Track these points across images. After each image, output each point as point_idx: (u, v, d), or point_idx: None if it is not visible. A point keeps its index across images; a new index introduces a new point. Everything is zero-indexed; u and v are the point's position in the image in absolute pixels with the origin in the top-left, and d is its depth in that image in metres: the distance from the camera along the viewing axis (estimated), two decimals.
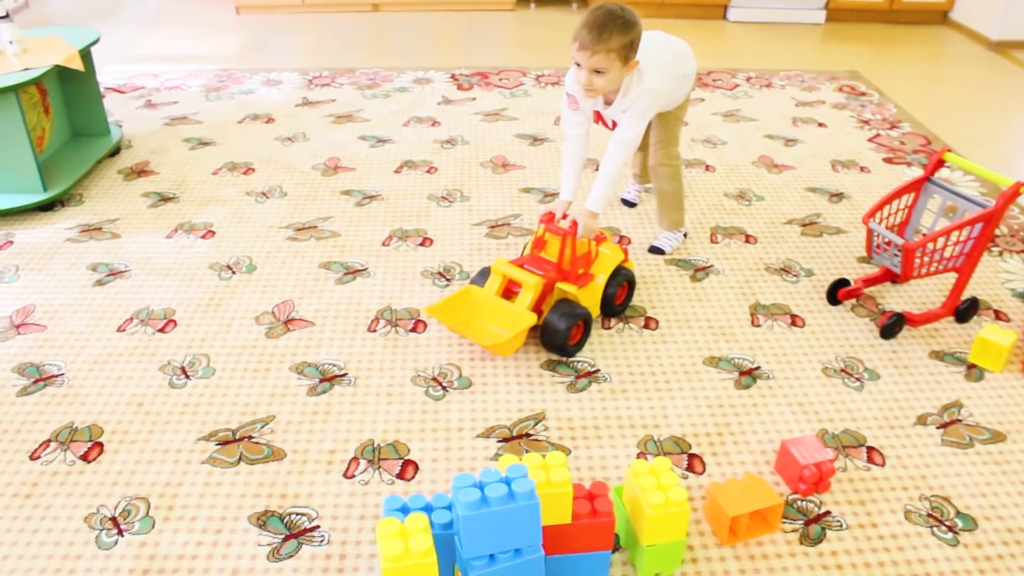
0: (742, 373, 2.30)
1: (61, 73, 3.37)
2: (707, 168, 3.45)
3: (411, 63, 4.68)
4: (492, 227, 2.97)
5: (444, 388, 2.22)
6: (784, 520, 1.85)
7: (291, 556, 1.76)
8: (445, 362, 2.31)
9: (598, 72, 2.24)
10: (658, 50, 2.46)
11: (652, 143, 2.73)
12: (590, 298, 2.40)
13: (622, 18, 2.21)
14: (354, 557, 1.76)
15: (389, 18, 5.65)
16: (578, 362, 2.32)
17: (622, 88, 2.37)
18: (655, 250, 2.83)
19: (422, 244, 2.87)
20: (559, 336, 2.26)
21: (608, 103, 2.44)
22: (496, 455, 2.01)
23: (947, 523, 1.86)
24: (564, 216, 2.40)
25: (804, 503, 1.90)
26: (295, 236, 2.92)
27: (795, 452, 1.92)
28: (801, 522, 1.85)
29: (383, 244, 2.86)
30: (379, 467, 1.98)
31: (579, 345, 2.35)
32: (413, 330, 2.43)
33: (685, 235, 2.90)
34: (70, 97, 3.51)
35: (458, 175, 3.37)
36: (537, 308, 2.32)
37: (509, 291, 2.36)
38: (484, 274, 2.42)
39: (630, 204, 3.11)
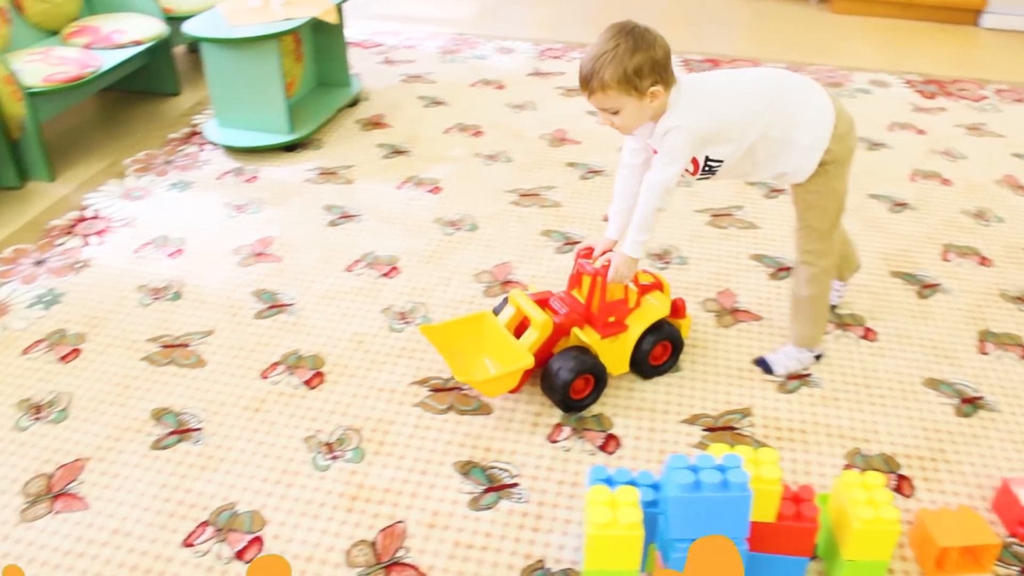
0: (963, 400, 2.18)
1: (315, 25, 3.56)
2: (943, 182, 3.26)
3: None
4: (714, 216, 2.92)
5: None
6: (997, 563, 1.75)
7: (489, 508, 1.82)
8: None
9: (611, 111, 1.89)
10: (735, 90, 1.98)
11: (795, 226, 2.17)
12: (617, 352, 2.11)
13: (623, 42, 1.82)
14: (550, 519, 1.80)
15: None
16: None
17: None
18: (761, 363, 2.28)
19: None
20: (556, 387, 2.02)
21: None
22: (700, 443, 2.00)
23: None
24: (604, 253, 2.10)
25: (1022, 548, 1.78)
26: (518, 201, 2.99)
27: (1018, 493, 1.80)
28: (1017, 568, 1.74)
29: (603, 220, 2.87)
30: (582, 436, 2.01)
31: (586, 402, 2.08)
32: None
33: (818, 358, 2.29)
34: (320, 48, 3.72)
35: None
36: (546, 351, 2.08)
37: (525, 326, 2.12)
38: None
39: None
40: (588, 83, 1.86)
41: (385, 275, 2.59)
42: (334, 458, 1.95)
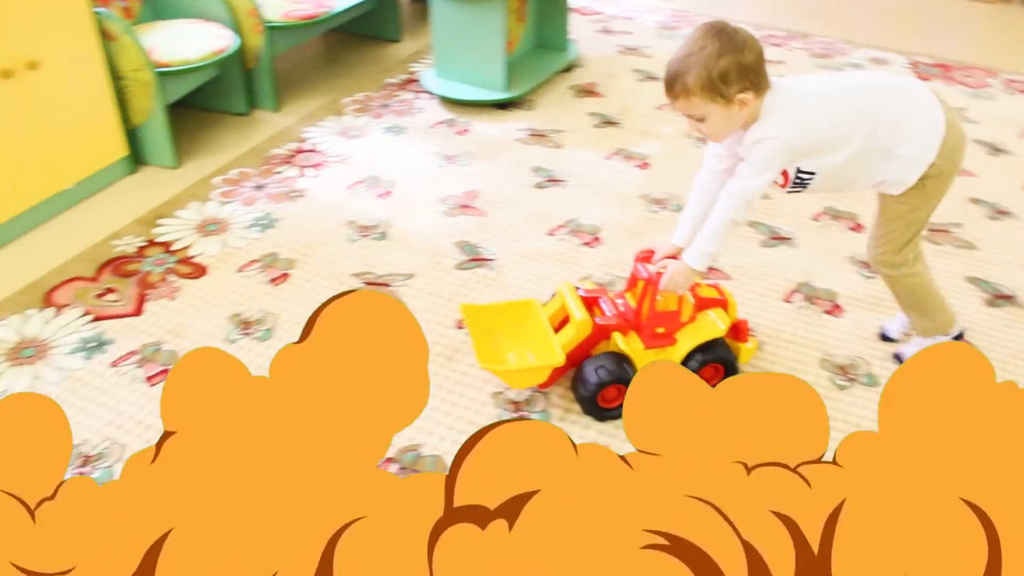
0: None
1: None
2: None
3: (869, 40, 4.44)
4: (930, 231, 2.73)
5: (850, 379, 2.12)
6: None
7: None
8: (857, 354, 2.20)
9: (697, 118, 1.76)
10: (833, 99, 1.82)
11: (873, 233, 2.02)
12: None
13: (709, 44, 1.68)
14: None
15: None
16: None
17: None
18: (897, 358, 2.19)
19: (853, 229, 2.73)
20: (585, 392, 1.93)
21: None
22: None
23: None
24: (666, 257, 1.97)
25: None
26: None
27: None
28: None
29: (813, 219, 2.76)
30: None
31: (615, 411, 1.95)
32: (829, 312, 2.34)
33: (959, 337, 2.15)
34: (542, 10, 3.73)
35: None
36: (584, 350, 1.97)
37: (567, 321, 2.01)
38: None
39: (887, 339, 2.26)
40: (672, 88, 1.73)
41: (586, 244, 2.58)
42: (520, 418, 1.97)
